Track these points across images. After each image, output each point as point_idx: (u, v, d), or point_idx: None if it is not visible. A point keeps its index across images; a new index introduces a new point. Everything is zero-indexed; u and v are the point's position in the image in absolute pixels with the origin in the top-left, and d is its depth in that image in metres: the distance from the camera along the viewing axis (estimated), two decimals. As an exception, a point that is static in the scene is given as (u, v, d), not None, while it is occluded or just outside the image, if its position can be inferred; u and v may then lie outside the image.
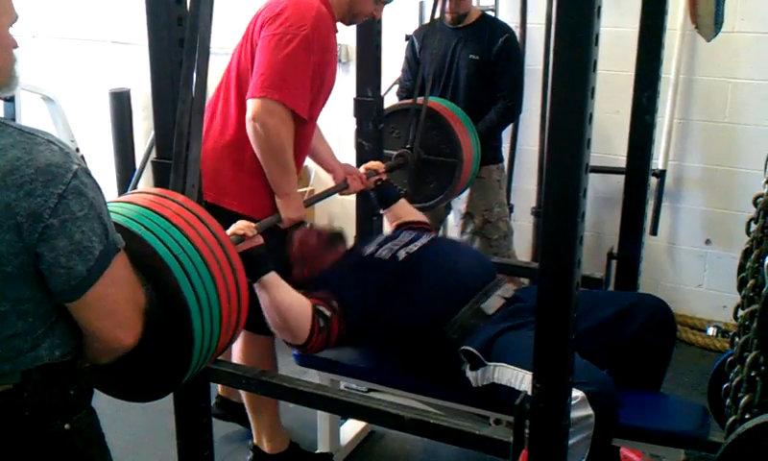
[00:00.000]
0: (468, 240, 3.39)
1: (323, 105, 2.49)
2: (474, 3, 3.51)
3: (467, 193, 3.35)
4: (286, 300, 2.11)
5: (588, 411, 1.87)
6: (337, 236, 2.54)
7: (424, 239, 2.46)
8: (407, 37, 3.69)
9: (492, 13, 3.68)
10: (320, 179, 3.83)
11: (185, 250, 1.55)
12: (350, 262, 2.42)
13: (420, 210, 2.95)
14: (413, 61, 3.43)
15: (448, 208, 3.53)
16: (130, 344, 1.35)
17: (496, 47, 3.23)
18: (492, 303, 2.27)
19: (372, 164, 2.73)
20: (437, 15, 3.21)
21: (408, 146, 2.99)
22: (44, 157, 1.22)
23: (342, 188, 2.69)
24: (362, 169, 2.72)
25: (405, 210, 2.78)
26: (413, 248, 2.40)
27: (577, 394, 1.85)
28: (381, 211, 2.80)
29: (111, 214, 1.45)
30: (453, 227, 3.70)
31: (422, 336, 2.21)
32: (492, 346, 2.08)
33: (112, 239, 1.30)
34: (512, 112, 3.38)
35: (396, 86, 3.56)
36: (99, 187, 1.30)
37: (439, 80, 3.27)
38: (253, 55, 2.30)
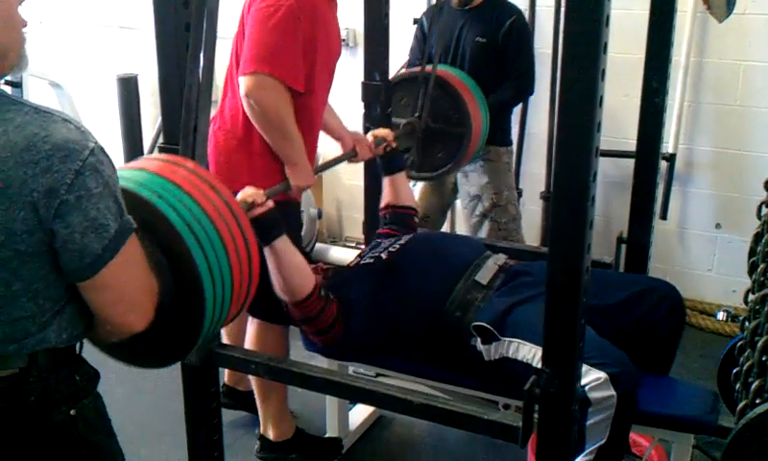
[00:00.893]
0: (477, 223, 3.37)
1: (325, 78, 2.47)
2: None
3: (475, 175, 3.34)
4: (294, 262, 2.14)
5: (611, 392, 1.87)
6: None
7: (405, 238, 2.50)
8: (415, 21, 3.67)
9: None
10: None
11: (197, 217, 1.53)
12: (339, 279, 2.42)
13: (427, 180, 3.00)
14: (422, 42, 3.40)
15: (456, 191, 3.51)
16: (140, 329, 1.34)
17: (504, 29, 3.20)
18: (485, 274, 2.29)
19: (381, 132, 2.71)
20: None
21: (416, 114, 2.95)
22: (61, 134, 1.22)
23: (350, 156, 2.67)
24: (370, 137, 2.70)
25: (402, 185, 2.77)
26: (395, 246, 2.43)
27: (600, 375, 1.86)
28: (383, 177, 2.78)
29: (122, 180, 1.44)
30: (460, 211, 3.67)
31: (425, 323, 2.21)
32: (506, 320, 2.09)
33: (126, 218, 1.29)
34: (524, 91, 3.37)
35: (403, 65, 3.54)
36: (113, 166, 1.29)
37: (445, 61, 3.24)
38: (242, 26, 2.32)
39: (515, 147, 3.61)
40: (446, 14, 3.23)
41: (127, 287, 1.31)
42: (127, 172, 1.59)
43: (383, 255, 2.40)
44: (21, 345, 1.28)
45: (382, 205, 2.76)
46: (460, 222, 3.85)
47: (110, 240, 1.25)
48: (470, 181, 3.37)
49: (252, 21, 2.23)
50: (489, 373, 2.15)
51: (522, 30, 3.28)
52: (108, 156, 1.28)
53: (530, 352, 2.02)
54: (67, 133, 1.23)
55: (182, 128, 1.79)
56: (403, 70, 3.53)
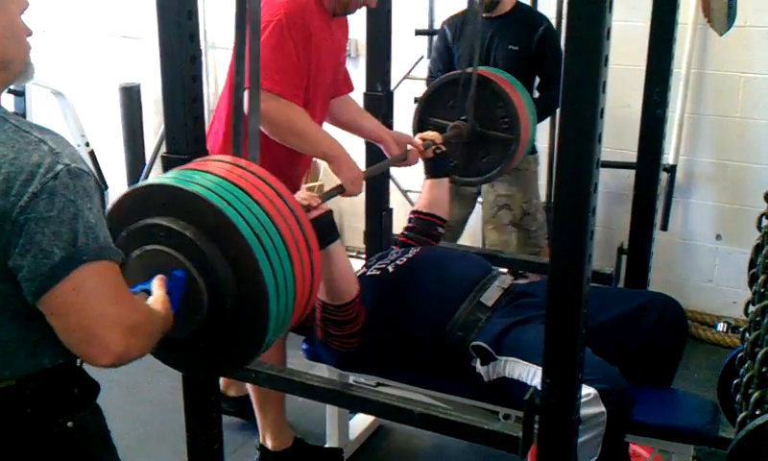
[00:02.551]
0: (504, 231, 3.35)
1: (323, 89, 2.46)
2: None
3: (504, 184, 3.30)
4: (344, 266, 2.12)
5: (601, 409, 1.86)
6: None
7: (412, 251, 2.47)
8: (417, 32, 3.69)
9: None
10: (329, 174, 3.83)
11: (266, 227, 1.48)
12: None
13: (471, 185, 2.97)
14: (444, 52, 3.38)
15: (477, 197, 3.49)
16: (104, 364, 1.25)
17: (537, 36, 3.17)
18: (491, 294, 2.28)
19: (430, 134, 2.67)
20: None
21: (463, 118, 2.86)
22: (29, 156, 1.19)
23: (400, 159, 2.62)
24: (417, 139, 2.66)
25: (441, 191, 2.72)
26: (402, 260, 2.41)
27: (589, 391, 1.84)
28: (425, 179, 2.74)
29: (186, 182, 1.40)
30: (477, 218, 3.63)
31: (426, 341, 2.20)
32: (503, 340, 2.08)
33: (82, 248, 1.21)
34: (555, 105, 3.35)
35: (404, 81, 3.55)
36: (88, 191, 1.23)
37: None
38: None
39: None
40: (472, 23, 3.22)
41: (78, 318, 1.23)
42: (192, 173, 1.54)
43: (390, 268, 2.37)
44: (15, 370, 1.27)
45: (414, 208, 2.75)
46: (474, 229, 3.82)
47: (52, 268, 1.18)
48: (497, 189, 3.34)
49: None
50: (488, 394, 2.14)
51: (555, 37, 3.26)
52: (82, 179, 1.22)
53: (525, 371, 2.01)
54: (37, 157, 1.19)
55: (233, 129, 1.78)
56: (405, 81, 3.54)
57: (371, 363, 2.34)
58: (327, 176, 4.00)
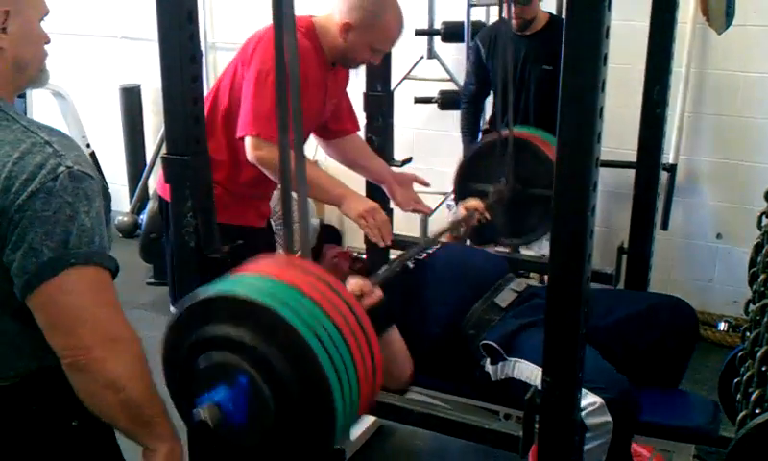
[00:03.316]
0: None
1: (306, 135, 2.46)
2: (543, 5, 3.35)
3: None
4: (402, 348, 2.09)
5: (607, 418, 1.86)
6: (362, 264, 2.53)
7: (432, 249, 2.47)
8: (417, 32, 3.69)
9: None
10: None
11: (322, 323, 1.40)
12: None
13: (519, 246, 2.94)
14: (479, 69, 3.36)
15: None
16: (81, 363, 1.24)
17: None
18: (506, 297, 2.28)
19: (473, 203, 2.60)
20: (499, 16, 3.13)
21: (502, 179, 2.75)
22: (32, 156, 1.20)
23: (455, 231, 2.56)
24: (461, 209, 2.60)
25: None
26: (422, 255, 2.41)
27: (595, 400, 1.84)
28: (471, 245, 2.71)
29: (240, 286, 1.36)
30: None
31: (440, 336, 2.21)
32: (513, 341, 2.09)
33: (72, 251, 1.21)
34: None
35: (404, 81, 3.56)
36: (88, 195, 1.24)
37: (506, 88, 3.12)
38: (234, 79, 2.32)
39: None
40: (505, 40, 3.20)
41: (62, 316, 1.23)
42: (250, 278, 1.46)
43: (410, 264, 2.36)
44: (19, 368, 1.28)
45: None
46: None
47: (40, 266, 1.19)
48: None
49: (246, 84, 2.24)
50: (495, 394, 2.14)
51: None
52: (83, 182, 1.23)
53: (532, 373, 2.01)
54: (41, 158, 1.21)
55: (284, 218, 1.67)
56: (407, 79, 3.53)
57: None
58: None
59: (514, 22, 3.17)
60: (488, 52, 3.31)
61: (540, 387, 1.94)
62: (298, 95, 1.54)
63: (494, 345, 2.09)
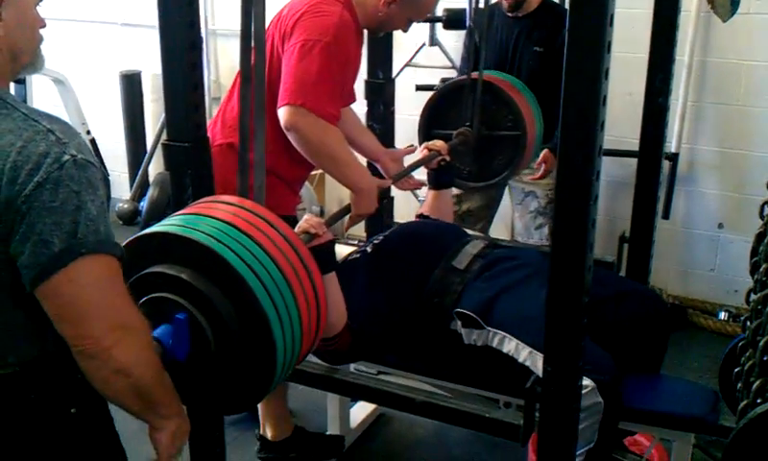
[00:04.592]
0: (531, 220, 3.34)
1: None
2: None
3: (529, 171, 3.27)
4: (338, 297, 2.09)
5: (598, 399, 1.88)
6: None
7: (388, 230, 2.50)
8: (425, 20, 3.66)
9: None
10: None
11: (259, 259, 1.47)
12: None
13: (488, 187, 3.00)
14: (473, 51, 3.35)
15: (503, 187, 3.45)
16: (90, 352, 1.25)
17: (561, 37, 3.12)
18: (462, 258, 2.26)
19: (436, 144, 2.65)
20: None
21: (468, 123, 2.86)
22: (36, 146, 1.20)
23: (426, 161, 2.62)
24: (424, 150, 2.65)
25: (446, 201, 2.74)
26: (378, 238, 2.42)
27: (588, 383, 1.85)
28: (429, 189, 2.74)
29: (185, 229, 1.40)
30: (505, 205, 3.61)
31: (405, 310, 2.20)
32: (492, 310, 2.07)
33: (82, 240, 1.21)
34: None
35: (406, 69, 3.54)
36: (92, 183, 1.24)
37: (501, 71, 3.11)
38: (272, 55, 2.30)
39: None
40: (499, 22, 3.19)
41: (71, 306, 1.24)
42: (193, 219, 1.53)
43: (368, 249, 2.39)
44: (19, 355, 1.28)
45: (419, 211, 2.74)
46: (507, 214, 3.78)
47: (50, 258, 1.20)
48: (524, 177, 3.32)
49: (288, 55, 2.23)
50: (469, 355, 2.13)
51: None
52: (87, 171, 1.23)
53: (515, 349, 2.00)
54: (44, 146, 1.20)
55: (239, 161, 1.73)
56: (406, 69, 3.53)
57: (360, 348, 2.34)
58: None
59: (505, 2, 3.17)
60: (481, 33, 3.30)
61: (522, 361, 1.96)
62: (263, 45, 1.61)
63: (471, 314, 2.07)
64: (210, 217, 1.53)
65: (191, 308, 1.43)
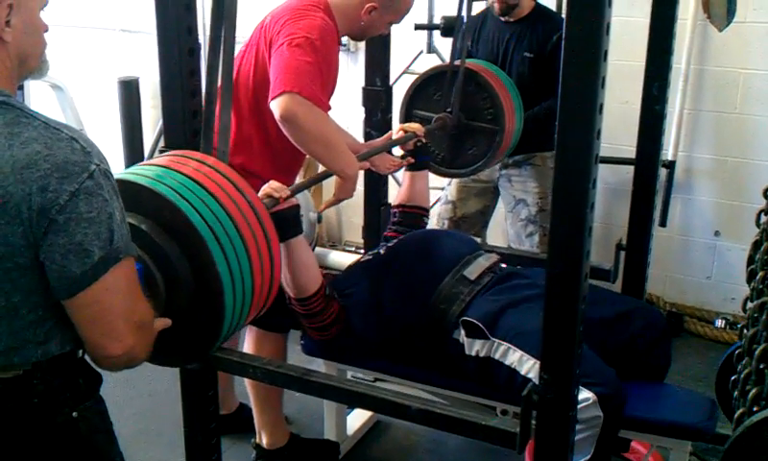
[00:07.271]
0: (522, 227, 3.35)
1: None
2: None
3: (521, 179, 3.31)
4: (306, 261, 2.14)
5: (598, 412, 1.88)
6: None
7: (403, 236, 2.53)
8: (416, 27, 3.68)
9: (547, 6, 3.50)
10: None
11: (219, 219, 1.53)
12: (340, 279, 2.44)
13: (456, 177, 3.03)
14: (460, 39, 3.37)
15: (496, 194, 3.47)
16: (116, 355, 1.31)
17: (551, 44, 3.11)
18: (474, 269, 2.29)
19: (412, 126, 2.67)
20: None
21: (448, 109, 2.88)
22: (63, 153, 1.22)
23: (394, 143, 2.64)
24: (399, 131, 2.66)
25: (421, 184, 2.75)
26: (392, 243, 2.46)
27: (588, 396, 1.86)
28: (404, 172, 2.76)
29: (141, 177, 1.43)
30: (498, 212, 3.61)
31: (412, 315, 2.23)
32: (499, 321, 2.09)
33: (117, 247, 1.26)
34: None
35: (404, 76, 3.55)
36: (116, 190, 1.28)
37: None
38: (257, 61, 2.34)
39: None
40: (491, 25, 3.20)
41: (105, 313, 1.28)
42: (146, 169, 1.58)
43: (381, 251, 2.43)
44: (24, 356, 1.29)
45: (395, 202, 2.76)
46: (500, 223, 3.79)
47: (91, 267, 1.23)
48: (515, 185, 3.34)
49: (278, 52, 2.23)
50: (469, 366, 2.15)
51: None
52: (111, 179, 1.27)
53: (519, 360, 2.02)
54: (70, 153, 1.22)
55: (203, 124, 1.78)
56: (405, 76, 3.54)
57: (364, 348, 2.34)
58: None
59: (496, 6, 3.18)
60: (473, 38, 3.31)
61: (523, 373, 1.97)
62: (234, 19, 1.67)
63: (477, 322, 2.09)
64: (180, 173, 1.59)
65: (148, 261, 1.51)
